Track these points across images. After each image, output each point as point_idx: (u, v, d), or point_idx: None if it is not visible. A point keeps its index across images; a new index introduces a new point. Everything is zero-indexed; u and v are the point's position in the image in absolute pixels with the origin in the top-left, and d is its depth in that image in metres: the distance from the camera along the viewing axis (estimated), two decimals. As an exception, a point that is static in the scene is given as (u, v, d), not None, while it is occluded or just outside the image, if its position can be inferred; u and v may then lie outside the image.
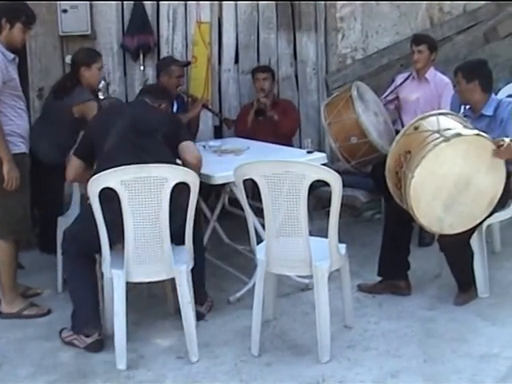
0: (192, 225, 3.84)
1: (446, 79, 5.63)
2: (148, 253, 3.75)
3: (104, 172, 3.71)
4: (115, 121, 4.05)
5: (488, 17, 6.70)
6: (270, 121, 5.83)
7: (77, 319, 3.98)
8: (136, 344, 4.00)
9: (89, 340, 3.92)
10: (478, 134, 4.00)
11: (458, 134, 3.95)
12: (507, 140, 4.04)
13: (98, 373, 3.74)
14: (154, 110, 4.29)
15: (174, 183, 3.67)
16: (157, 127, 4.05)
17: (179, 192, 3.72)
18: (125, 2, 5.79)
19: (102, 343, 3.93)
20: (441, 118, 4.16)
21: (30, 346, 4.05)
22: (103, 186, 3.68)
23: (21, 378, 3.72)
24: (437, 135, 3.97)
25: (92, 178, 3.71)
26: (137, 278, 3.83)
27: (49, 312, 4.43)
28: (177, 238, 3.83)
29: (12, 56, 4.18)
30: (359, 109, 5.00)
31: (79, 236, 3.96)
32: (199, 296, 4.18)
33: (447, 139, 3.90)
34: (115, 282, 3.77)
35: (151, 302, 4.48)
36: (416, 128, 4.12)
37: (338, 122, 5.09)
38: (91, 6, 5.58)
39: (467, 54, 6.51)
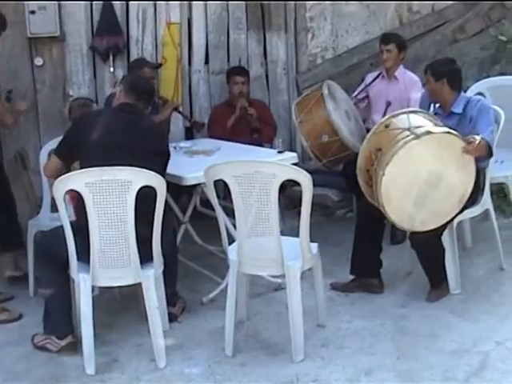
0: (160, 228, 3.80)
1: (415, 77, 5.66)
2: (114, 257, 3.72)
3: (69, 174, 3.69)
4: (107, 123, 4.00)
5: (456, 16, 6.75)
6: (249, 132, 5.82)
7: (49, 321, 3.94)
8: (109, 347, 3.99)
9: (62, 342, 3.90)
10: (448, 132, 4.03)
11: (429, 132, 3.98)
12: (477, 137, 4.08)
13: (70, 377, 3.72)
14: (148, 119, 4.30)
15: (138, 186, 3.63)
16: (148, 137, 4.02)
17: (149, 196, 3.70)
18: (94, 3, 5.73)
19: (76, 346, 3.90)
20: (411, 115, 4.19)
21: (1, 351, 4.01)
22: (68, 188, 3.65)
23: (-9, 385, 3.69)
24: (407, 133, 3.99)
25: (57, 180, 3.69)
26: (103, 283, 3.81)
27: (20, 317, 4.39)
28: (148, 242, 3.80)
29: None
30: (330, 107, 5.00)
31: (51, 239, 3.93)
32: (171, 297, 4.17)
33: (418, 137, 3.93)
34: (82, 286, 3.74)
35: (124, 305, 4.45)
36: (387, 126, 4.14)
37: (308, 121, 5.09)
38: (59, 6, 5.52)
39: (436, 52, 6.56)
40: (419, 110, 4.48)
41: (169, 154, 4.14)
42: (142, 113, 4.16)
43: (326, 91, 5.06)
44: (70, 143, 4.04)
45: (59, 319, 3.92)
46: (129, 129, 3.99)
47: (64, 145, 4.09)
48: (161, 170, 3.92)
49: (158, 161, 3.96)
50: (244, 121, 5.82)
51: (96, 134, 3.91)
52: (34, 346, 4.01)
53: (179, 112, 5.78)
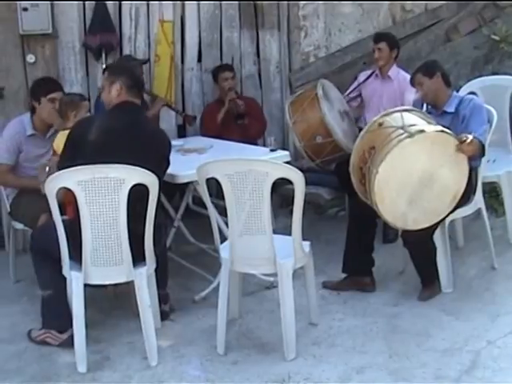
0: (152, 226, 3.79)
1: (409, 77, 5.66)
2: (106, 255, 3.72)
3: (61, 172, 3.67)
4: (109, 124, 3.92)
5: (449, 15, 6.77)
6: (240, 124, 5.87)
7: (48, 315, 3.95)
8: (101, 345, 3.98)
9: (64, 336, 3.92)
10: (442, 131, 4.04)
11: (423, 130, 3.98)
12: (470, 136, 4.08)
13: (62, 375, 3.71)
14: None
15: (131, 184, 3.62)
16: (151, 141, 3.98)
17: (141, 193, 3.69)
18: (86, 1, 5.73)
19: None
20: (405, 114, 4.19)
21: (-7, 349, 4.01)
22: (60, 186, 3.64)
23: (-17, 383, 3.68)
24: (401, 131, 3.99)
25: (49, 178, 3.68)
26: (95, 281, 3.80)
27: None
28: (139, 241, 3.79)
29: None
30: (325, 108, 5.00)
31: (45, 235, 3.92)
32: (163, 295, 4.17)
33: (411, 135, 3.93)
34: (74, 284, 3.74)
35: (117, 303, 4.44)
36: (380, 124, 4.14)
37: (303, 121, 5.09)
38: (52, 4, 5.49)
39: (429, 51, 6.58)
40: (413, 108, 4.48)
41: (169, 162, 4.07)
42: (145, 114, 4.13)
43: (320, 91, 5.05)
44: (72, 146, 3.91)
45: (59, 313, 3.91)
46: (133, 131, 3.90)
47: (67, 150, 3.95)
48: (162, 169, 3.93)
49: (159, 166, 3.90)
50: (233, 115, 5.83)
51: (96, 135, 3.83)
52: (32, 340, 4.01)
53: (170, 107, 5.78)
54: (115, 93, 4.00)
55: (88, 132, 3.85)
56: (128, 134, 3.87)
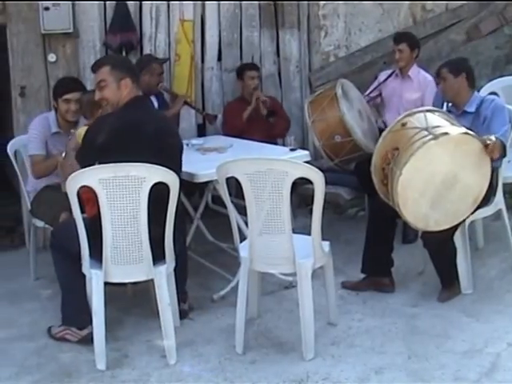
0: (172, 225, 3.80)
1: (429, 77, 5.64)
2: (126, 253, 3.73)
3: (82, 170, 3.69)
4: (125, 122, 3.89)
5: (470, 15, 6.72)
6: (265, 122, 5.88)
7: (68, 312, 3.98)
8: (120, 343, 4.00)
9: (83, 332, 3.94)
10: (466, 133, 4.00)
11: (447, 133, 3.95)
12: (493, 138, 4.05)
13: (82, 372, 3.73)
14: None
15: (152, 183, 3.64)
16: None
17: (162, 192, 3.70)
18: (107, 0, 5.76)
19: None
20: (428, 114, 4.16)
21: (13, 346, 4.03)
22: (81, 184, 3.66)
23: (4, 379, 3.69)
24: (425, 133, 3.96)
25: (70, 176, 3.69)
26: (115, 279, 3.81)
27: None
28: (159, 239, 3.80)
29: None
30: (344, 107, 4.99)
31: (65, 233, 3.94)
32: (183, 294, 4.18)
33: (436, 137, 3.90)
34: (94, 282, 3.75)
35: (135, 301, 4.46)
36: (403, 124, 4.11)
37: (322, 121, 5.08)
38: (73, 3, 5.53)
39: (449, 51, 6.54)
40: (435, 108, 4.44)
41: (182, 147, 4.10)
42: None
43: (339, 91, 5.05)
44: (90, 146, 3.89)
45: (78, 310, 3.93)
46: (151, 127, 3.89)
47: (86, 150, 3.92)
48: (178, 166, 3.93)
49: (175, 156, 3.93)
50: (259, 113, 5.85)
51: (118, 134, 3.81)
52: (51, 337, 4.04)
53: (190, 105, 5.80)
54: (126, 89, 3.92)
55: (107, 131, 3.82)
56: (150, 132, 3.86)
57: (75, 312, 3.96)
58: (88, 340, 3.88)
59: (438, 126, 4.01)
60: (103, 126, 3.88)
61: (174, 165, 3.84)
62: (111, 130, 3.82)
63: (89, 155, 3.86)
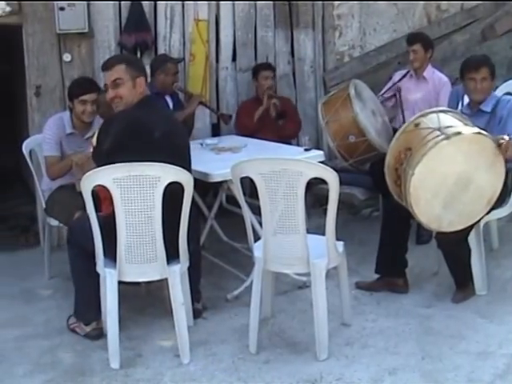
0: (186, 224, 3.80)
1: (445, 78, 5.63)
2: (141, 252, 3.74)
3: (97, 169, 3.70)
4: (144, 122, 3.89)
5: (485, 14, 6.70)
6: (274, 123, 5.88)
7: (78, 307, 4.09)
8: (134, 342, 4.01)
9: (88, 328, 4.04)
10: (479, 133, 3.98)
11: (460, 132, 3.93)
12: (506, 137, 4.03)
13: (95, 371, 3.74)
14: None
15: (167, 182, 3.64)
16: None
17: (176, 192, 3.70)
18: (122, 0, 5.78)
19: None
20: (441, 115, 4.14)
21: (28, 344, 4.05)
22: (96, 184, 3.67)
23: (18, 377, 3.72)
24: (438, 133, 3.95)
25: (85, 175, 3.70)
26: (129, 278, 3.82)
27: None
28: (173, 238, 3.80)
29: None
30: (357, 107, 4.99)
31: (81, 230, 3.95)
32: (196, 293, 4.19)
33: (448, 137, 3.88)
34: (108, 280, 3.77)
35: (149, 301, 4.47)
36: (416, 125, 4.10)
37: (335, 121, 5.08)
38: (88, 3, 5.56)
39: (465, 51, 6.50)
40: (449, 109, 4.43)
41: (189, 147, 4.10)
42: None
43: (352, 91, 5.04)
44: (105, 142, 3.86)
45: (84, 307, 4.04)
46: (165, 126, 3.90)
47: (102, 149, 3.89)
48: (188, 165, 3.93)
49: (183, 155, 3.94)
50: (270, 114, 5.84)
51: (135, 132, 3.81)
52: (67, 327, 4.15)
53: (205, 105, 5.81)
54: (140, 88, 3.92)
55: (118, 131, 3.82)
56: (160, 132, 3.85)
57: (83, 308, 4.06)
58: (92, 336, 4.00)
59: (450, 126, 4.00)
60: (116, 125, 3.87)
61: (185, 164, 3.85)
62: (123, 130, 3.83)
63: (102, 155, 3.87)
